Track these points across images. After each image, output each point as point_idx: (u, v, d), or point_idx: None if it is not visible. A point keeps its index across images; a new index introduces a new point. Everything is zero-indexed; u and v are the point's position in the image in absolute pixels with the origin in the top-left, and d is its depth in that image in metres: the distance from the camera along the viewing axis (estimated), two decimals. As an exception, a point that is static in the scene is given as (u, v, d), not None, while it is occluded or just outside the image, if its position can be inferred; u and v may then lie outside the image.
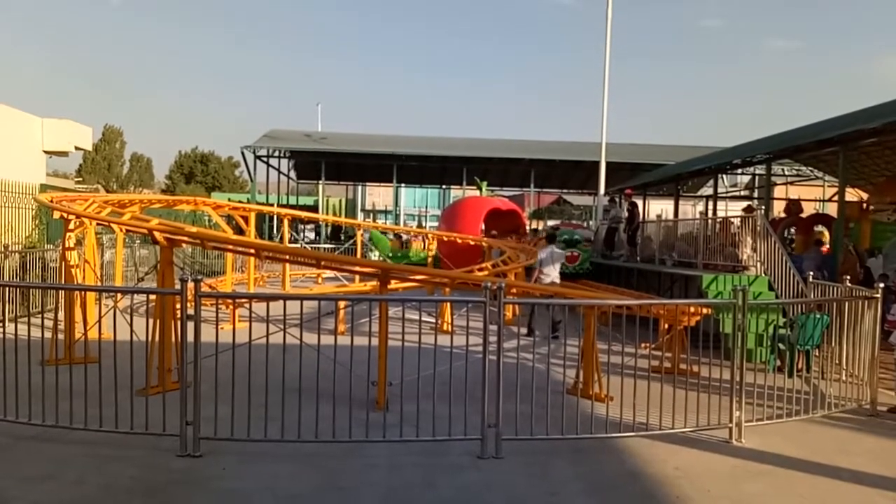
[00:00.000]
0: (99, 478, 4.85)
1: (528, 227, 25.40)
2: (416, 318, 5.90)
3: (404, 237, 26.58)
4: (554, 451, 5.61)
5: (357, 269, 9.90)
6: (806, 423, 6.53)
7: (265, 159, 32.16)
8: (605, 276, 15.82)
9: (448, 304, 10.70)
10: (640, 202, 20.08)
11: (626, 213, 16.67)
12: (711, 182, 24.78)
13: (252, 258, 13.37)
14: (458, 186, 34.79)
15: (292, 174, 39.27)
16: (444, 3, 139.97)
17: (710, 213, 21.87)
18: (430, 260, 20.30)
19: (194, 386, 5.24)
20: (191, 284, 5.41)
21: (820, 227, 16.81)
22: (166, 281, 7.50)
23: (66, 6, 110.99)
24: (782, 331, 9.10)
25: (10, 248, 11.94)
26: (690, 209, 33.14)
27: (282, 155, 33.74)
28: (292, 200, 40.28)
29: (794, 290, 9.90)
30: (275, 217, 27.70)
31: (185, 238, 8.32)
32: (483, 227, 20.80)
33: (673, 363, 8.23)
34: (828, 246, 13.67)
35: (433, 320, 11.12)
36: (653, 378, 5.99)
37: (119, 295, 10.50)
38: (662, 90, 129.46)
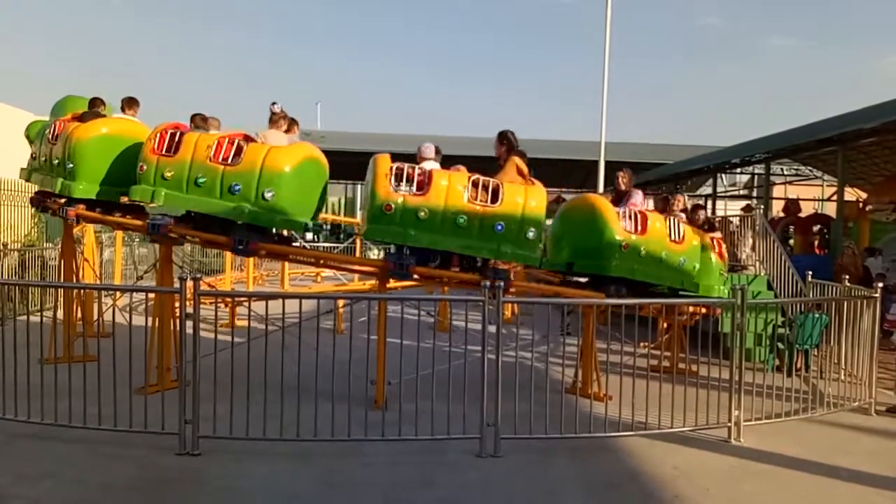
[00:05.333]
0: (98, 476, 4.85)
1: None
2: (416, 316, 5.89)
3: None
4: (552, 450, 5.61)
5: (356, 267, 9.89)
6: (805, 423, 6.53)
7: (264, 158, 32.06)
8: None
9: (447, 302, 10.70)
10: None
11: None
12: (710, 181, 24.78)
13: (251, 257, 13.36)
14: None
15: (291, 173, 39.15)
16: (443, 2, 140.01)
17: (709, 213, 21.86)
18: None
19: (193, 384, 5.24)
20: (190, 283, 5.41)
21: (815, 228, 16.84)
22: (165, 279, 7.50)
23: (66, 4, 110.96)
24: (781, 330, 9.11)
25: (8, 247, 11.93)
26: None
27: (281, 153, 33.66)
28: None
29: (793, 289, 9.91)
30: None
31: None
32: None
33: (672, 362, 8.23)
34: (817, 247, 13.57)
35: (432, 319, 11.12)
36: (652, 377, 5.99)
37: (118, 293, 10.51)
38: (662, 89, 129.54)
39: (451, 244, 6.45)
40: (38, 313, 6.13)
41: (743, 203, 25.46)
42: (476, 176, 6.51)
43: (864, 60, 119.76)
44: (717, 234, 9.07)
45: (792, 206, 17.78)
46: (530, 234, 6.43)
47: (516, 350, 7.07)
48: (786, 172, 27.48)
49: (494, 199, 6.40)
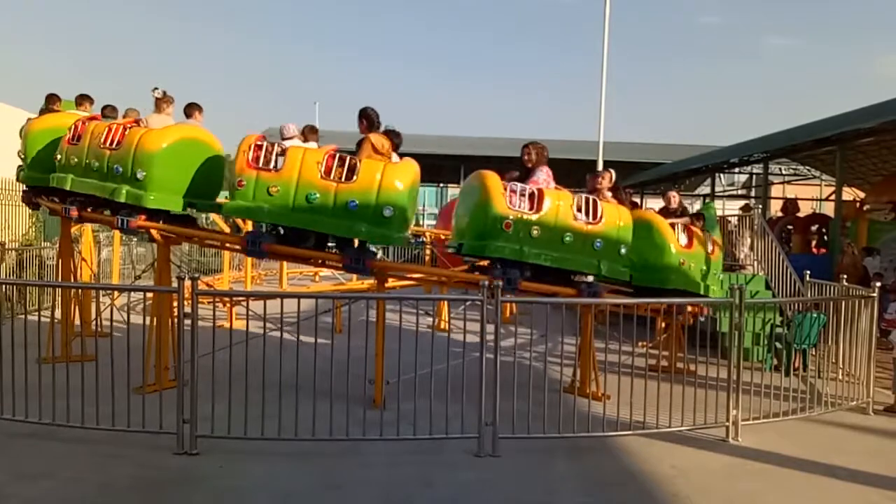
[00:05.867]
0: (96, 475, 4.85)
1: None
2: (414, 316, 5.89)
3: None
4: (551, 450, 5.61)
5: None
6: (802, 422, 6.54)
7: (263, 157, 32.03)
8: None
9: (445, 302, 10.71)
10: (637, 201, 20.01)
11: None
12: (708, 181, 24.80)
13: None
14: (455, 185, 34.73)
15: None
16: (443, 1, 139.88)
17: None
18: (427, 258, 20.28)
19: (191, 384, 5.23)
20: (188, 282, 5.41)
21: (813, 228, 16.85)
22: (163, 279, 7.50)
23: (64, 3, 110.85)
24: (779, 329, 9.11)
25: (7, 246, 11.92)
26: (687, 208, 33.09)
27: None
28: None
29: (791, 288, 9.92)
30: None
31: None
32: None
33: (670, 362, 8.23)
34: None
35: (431, 318, 11.12)
36: (650, 376, 6.00)
37: (116, 293, 10.49)
38: (661, 88, 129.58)
39: (306, 221, 6.39)
40: (36, 313, 6.12)
41: (741, 203, 25.45)
42: (335, 152, 6.47)
43: (865, 60, 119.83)
44: (685, 220, 8.32)
45: (790, 205, 17.79)
46: (387, 213, 6.27)
47: (514, 349, 7.07)
48: (784, 172, 27.50)
49: (350, 176, 6.31)
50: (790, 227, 16.86)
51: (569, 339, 8.39)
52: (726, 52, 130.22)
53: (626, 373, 6.05)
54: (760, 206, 16.31)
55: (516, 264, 6.65)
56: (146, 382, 6.37)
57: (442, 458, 5.39)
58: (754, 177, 28.15)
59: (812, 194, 27.93)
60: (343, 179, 6.29)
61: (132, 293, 11.66)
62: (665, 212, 8.62)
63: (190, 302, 5.33)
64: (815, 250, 16.36)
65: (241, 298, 10.76)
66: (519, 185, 6.76)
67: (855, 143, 14.09)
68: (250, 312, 7.88)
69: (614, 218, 6.99)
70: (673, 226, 7.90)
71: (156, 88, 7.57)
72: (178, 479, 4.87)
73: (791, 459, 5.56)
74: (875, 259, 12.57)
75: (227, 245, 8.27)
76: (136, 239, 16.33)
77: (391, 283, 8.34)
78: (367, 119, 6.88)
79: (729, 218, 12.61)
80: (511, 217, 6.52)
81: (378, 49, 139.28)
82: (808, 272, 9.14)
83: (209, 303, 10.88)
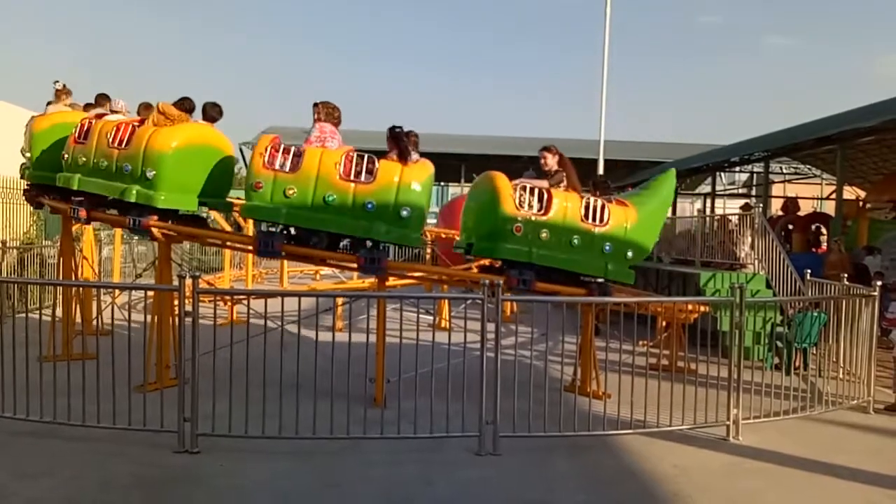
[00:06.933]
0: (96, 474, 4.85)
1: None
2: (414, 314, 5.89)
3: None
4: (551, 448, 5.61)
5: (355, 266, 9.85)
6: (803, 421, 6.54)
7: (263, 156, 31.98)
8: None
9: (446, 300, 10.71)
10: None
11: None
12: (709, 180, 24.79)
13: (250, 255, 13.36)
14: (455, 184, 34.71)
15: (290, 171, 39.12)
16: (444, 1, 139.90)
17: (707, 211, 21.87)
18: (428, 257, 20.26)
19: (192, 382, 5.23)
20: (189, 281, 5.41)
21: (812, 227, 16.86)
22: (164, 277, 7.50)
23: (66, 2, 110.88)
24: (780, 328, 9.11)
25: (8, 245, 11.92)
26: (688, 207, 33.06)
27: (280, 151, 33.59)
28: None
29: (791, 287, 9.91)
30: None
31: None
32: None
33: (671, 361, 8.23)
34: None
35: (431, 317, 11.12)
36: (650, 375, 6.00)
37: (117, 291, 10.50)
38: (661, 87, 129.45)
39: (96, 187, 7.11)
40: (38, 311, 6.12)
41: (742, 201, 25.44)
42: (130, 123, 7.08)
43: (865, 60, 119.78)
44: (541, 183, 6.95)
45: (791, 204, 17.78)
46: (149, 174, 6.77)
47: (515, 348, 7.07)
48: (785, 171, 27.49)
49: (128, 143, 6.91)
50: (791, 225, 16.86)
51: (569, 337, 8.38)
52: (726, 51, 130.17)
53: (626, 371, 6.04)
54: (761, 205, 16.32)
55: (298, 229, 6.49)
56: (147, 381, 6.36)
57: (442, 456, 5.39)
58: (755, 175, 28.13)
59: (813, 193, 27.92)
60: (123, 146, 6.93)
61: (133, 291, 11.66)
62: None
63: (191, 300, 5.34)
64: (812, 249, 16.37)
65: (242, 297, 10.77)
66: (283, 144, 6.41)
67: (856, 141, 14.11)
68: (251, 311, 7.90)
69: (391, 178, 6.24)
70: (517, 187, 6.77)
71: (56, 81, 8.54)
72: (179, 477, 4.87)
73: (792, 458, 5.56)
74: (876, 258, 12.56)
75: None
76: (136, 238, 16.34)
77: (392, 281, 8.33)
78: (185, 98, 7.33)
79: (730, 217, 12.60)
80: (263, 178, 6.21)
81: (378, 49, 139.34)
82: (809, 271, 9.14)
83: (210, 301, 10.89)
